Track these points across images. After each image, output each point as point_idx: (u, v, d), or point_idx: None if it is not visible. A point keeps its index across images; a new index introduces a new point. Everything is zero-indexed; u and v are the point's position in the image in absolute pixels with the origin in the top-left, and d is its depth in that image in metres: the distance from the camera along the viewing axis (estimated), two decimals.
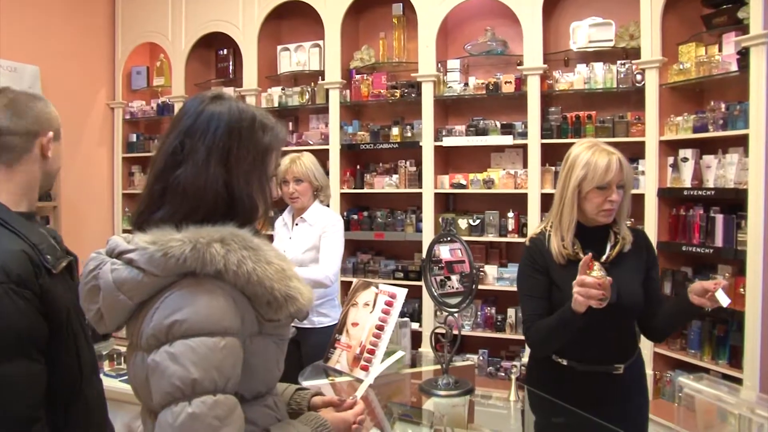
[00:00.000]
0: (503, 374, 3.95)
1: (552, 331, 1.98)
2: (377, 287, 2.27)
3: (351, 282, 2.85)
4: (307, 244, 3.04)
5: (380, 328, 2.12)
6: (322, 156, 4.50)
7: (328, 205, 3.20)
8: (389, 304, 2.20)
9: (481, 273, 3.97)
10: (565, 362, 2.11)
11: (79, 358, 1.58)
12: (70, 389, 1.54)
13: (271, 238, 3.29)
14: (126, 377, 2.99)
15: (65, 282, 1.56)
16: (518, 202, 4.02)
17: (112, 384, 2.98)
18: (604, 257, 2.03)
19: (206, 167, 1.13)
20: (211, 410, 1.02)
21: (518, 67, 4.01)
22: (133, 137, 5.34)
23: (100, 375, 1.76)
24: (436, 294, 2.08)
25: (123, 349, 3.56)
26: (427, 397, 2.14)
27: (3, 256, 1.41)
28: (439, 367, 2.13)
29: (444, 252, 2.11)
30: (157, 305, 1.09)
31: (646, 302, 2.04)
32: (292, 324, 3.34)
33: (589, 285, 1.78)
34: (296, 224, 3.13)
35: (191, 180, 1.13)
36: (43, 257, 1.48)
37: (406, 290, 2.21)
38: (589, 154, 2.04)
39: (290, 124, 4.79)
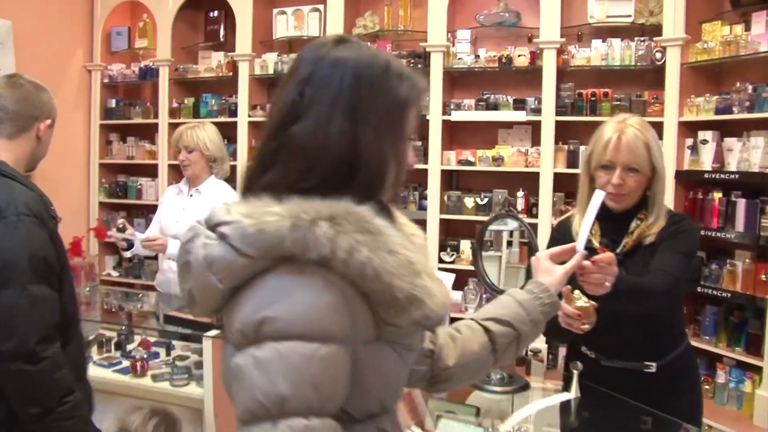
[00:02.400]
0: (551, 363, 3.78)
1: (552, 329, 1.88)
2: None
3: None
4: (200, 218, 3.04)
5: None
6: None
7: (232, 178, 3.27)
8: None
9: None
10: (593, 355, 1.99)
11: (74, 301, 1.85)
12: (66, 327, 1.75)
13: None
14: (119, 367, 2.77)
15: (60, 237, 1.81)
16: (528, 181, 3.87)
17: (103, 374, 2.73)
18: (620, 248, 1.90)
19: (329, 121, 0.93)
20: None
21: (534, 41, 3.84)
22: (112, 103, 5.01)
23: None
24: (490, 281, 1.92)
25: (109, 334, 3.29)
26: (471, 391, 2.00)
27: (24, 197, 1.69)
28: None
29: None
30: (249, 294, 0.89)
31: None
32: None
33: (569, 315, 1.67)
34: (191, 195, 3.20)
35: (310, 135, 0.93)
36: (49, 206, 1.79)
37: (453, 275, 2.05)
38: (603, 128, 1.92)
39: None
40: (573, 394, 1.89)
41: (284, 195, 0.91)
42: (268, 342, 0.85)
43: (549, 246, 2.10)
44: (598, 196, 1.62)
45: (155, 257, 4.45)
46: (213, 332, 2.46)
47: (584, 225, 1.56)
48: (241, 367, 0.87)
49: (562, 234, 2.04)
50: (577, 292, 1.71)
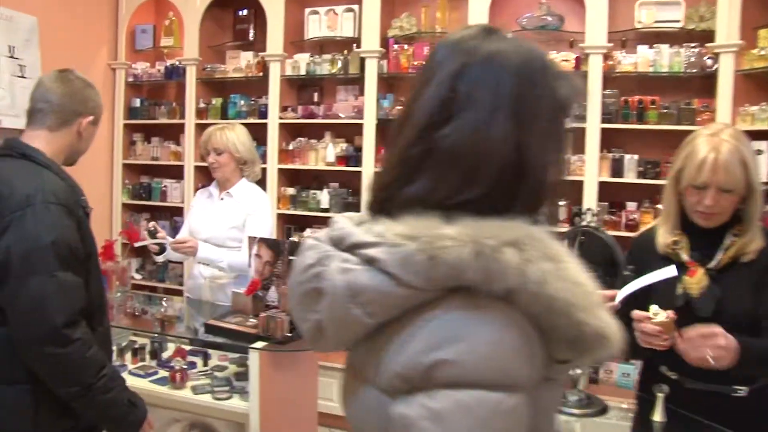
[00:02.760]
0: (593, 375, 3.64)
1: (631, 348, 1.76)
2: None
3: None
4: (231, 222, 3.00)
5: None
6: (355, 131, 4.17)
7: (263, 180, 3.26)
8: None
9: None
10: (674, 376, 1.86)
11: (101, 291, 1.89)
12: (93, 313, 1.79)
13: None
14: (156, 377, 2.64)
15: (89, 227, 1.85)
16: (571, 190, 3.74)
17: (140, 384, 2.59)
18: (713, 263, 1.78)
19: (490, 122, 0.79)
20: None
21: (579, 45, 3.72)
22: (136, 102, 4.89)
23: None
24: None
25: (142, 341, 3.16)
26: None
27: (52, 185, 1.74)
28: None
29: None
30: (411, 331, 0.75)
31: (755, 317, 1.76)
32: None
33: (649, 333, 1.61)
34: (221, 199, 3.11)
35: (469, 139, 0.79)
36: (80, 196, 1.85)
37: None
38: (696, 143, 1.79)
39: (315, 95, 4.42)
40: (658, 418, 1.76)
41: (438, 210, 0.77)
42: (442, 390, 0.71)
43: (628, 260, 1.99)
44: (668, 272, 1.62)
45: (179, 262, 4.34)
46: (259, 344, 2.33)
47: (632, 285, 1.49)
48: (410, 418, 0.72)
49: (643, 247, 1.93)
50: (654, 307, 1.64)
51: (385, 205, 0.83)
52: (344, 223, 0.83)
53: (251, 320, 2.50)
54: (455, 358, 0.72)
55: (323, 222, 4.28)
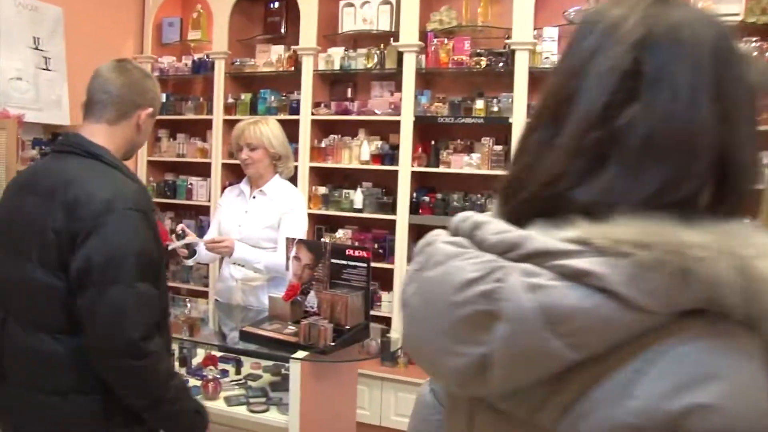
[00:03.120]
0: None
1: None
2: None
3: None
4: (265, 221, 2.86)
5: None
6: (390, 128, 3.99)
7: (294, 179, 3.15)
8: None
9: None
10: None
11: (167, 297, 1.81)
12: (160, 321, 1.70)
13: None
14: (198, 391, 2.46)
15: (157, 231, 1.76)
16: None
17: None
18: None
19: (694, 107, 0.61)
20: None
21: None
22: (162, 97, 4.73)
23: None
24: None
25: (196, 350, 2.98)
26: None
27: (129, 190, 1.65)
28: None
29: None
30: (637, 367, 0.57)
31: None
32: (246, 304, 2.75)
33: None
34: (253, 197, 2.96)
35: (671, 126, 0.61)
36: (149, 198, 1.77)
37: None
38: None
39: (349, 90, 4.25)
40: None
41: (639, 212, 0.60)
42: None
43: None
44: None
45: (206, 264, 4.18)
46: (301, 353, 2.16)
47: None
48: None
49: None
50: None
51: (547, 205, 0.65)
52: (502, 224, 0.64)
53: (290, 327, 2.33)
54: (716, 402, 0.54)
55: (356, 222, 4.11)
